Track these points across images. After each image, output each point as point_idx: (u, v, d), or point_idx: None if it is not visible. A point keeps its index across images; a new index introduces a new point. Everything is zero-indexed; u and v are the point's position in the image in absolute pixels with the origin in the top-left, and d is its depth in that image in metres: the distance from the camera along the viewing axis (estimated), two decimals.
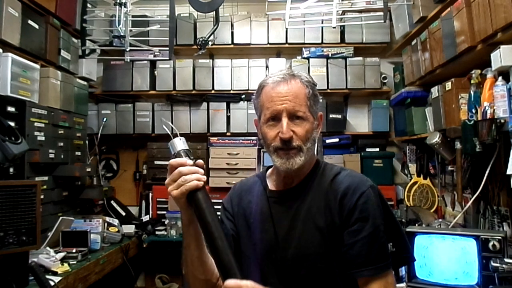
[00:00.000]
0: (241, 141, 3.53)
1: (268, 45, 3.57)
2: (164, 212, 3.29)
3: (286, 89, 1.08)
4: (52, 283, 1.92)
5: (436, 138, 2.53)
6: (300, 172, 1.13)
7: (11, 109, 2.30)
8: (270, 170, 1.25)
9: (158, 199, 3.46)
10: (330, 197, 1.08)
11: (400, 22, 3.19)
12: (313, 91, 1.13)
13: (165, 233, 3.24)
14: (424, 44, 2.73)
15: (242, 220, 1.19)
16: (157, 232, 3.27)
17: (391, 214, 1.11)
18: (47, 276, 1.94)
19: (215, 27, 3.28)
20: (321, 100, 1.19)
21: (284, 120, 1.07)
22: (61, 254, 2.29)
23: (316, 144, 1.17)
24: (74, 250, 2.38)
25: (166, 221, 3.25)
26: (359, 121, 3.75)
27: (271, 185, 1.20)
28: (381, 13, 2.97)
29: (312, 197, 1.11)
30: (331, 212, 1.07)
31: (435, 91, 2.64)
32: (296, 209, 1.11)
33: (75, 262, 2.32)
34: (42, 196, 2.32)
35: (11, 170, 2.25)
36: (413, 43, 2.98)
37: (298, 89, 1.09)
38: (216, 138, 3.54)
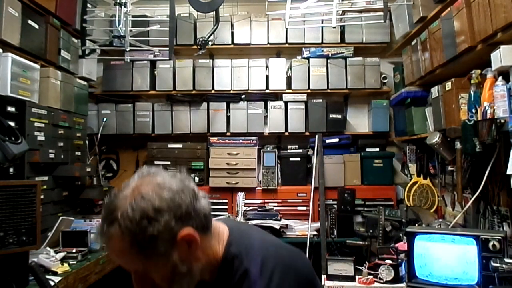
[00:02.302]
0: (241, 141, 3.53)
1: (268, 45, 3.58)
2: None
3: (110, 252, 0.87)
4: (52, 283, 1.91)
5: (436, 138, 2.53)
6: (204, 273, 0.94)
7: (11, 109, 2.30)
8: None
9: None
10: None
11: (400, 22, 3.19)
12: (140, 234, 0.81)
13: None
14: (424, 44, 2.73)
15: None
16: None
17: None
18: (47, 276, 1.93)
19: (215, 27, 3.28)
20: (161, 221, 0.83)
21: (133, 279, 0.89)
22: (61, 254, 2.29)
23: (197, 263, 0.89)
24: (74, 250, 2.38)
25: None
26: (359, 121, 3.75)
27: None
28: (381, 13, 2.97)
29: None
30: None
31: (435, 91, 2.64)
32: None
33: (75, 262, 2.31)
34: (42, 196, 2.31)
35: (11, 170, 2.25)
36: (413, 43, 2.98)
37: (119, 247, 0.84)
38: (216, 138, 3.54)
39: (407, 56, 3.14)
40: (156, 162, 3.52)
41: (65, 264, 2.21)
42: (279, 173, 3.52)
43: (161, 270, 0.85)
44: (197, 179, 3.44)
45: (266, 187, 3.41)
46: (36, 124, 2.48)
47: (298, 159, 3.51)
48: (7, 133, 2.12)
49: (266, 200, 3.41)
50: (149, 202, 0.82)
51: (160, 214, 0.82)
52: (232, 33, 3.58)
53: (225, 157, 3.46)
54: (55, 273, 2.09)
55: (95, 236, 0.82)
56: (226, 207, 3.40)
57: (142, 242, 0.82)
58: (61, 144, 2.76)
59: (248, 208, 3.25)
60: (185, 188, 0.87)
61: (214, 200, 3.43)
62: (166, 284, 0.86)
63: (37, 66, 2.54)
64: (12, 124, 2.25)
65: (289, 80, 3.60)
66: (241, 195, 3.40)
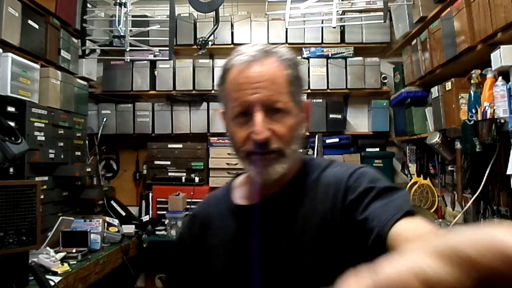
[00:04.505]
0: None
1: None
2: (164, 212, 3.28)
3: (259, 72, 0.79)
4: (52, 283, 1.91)
5: (436, 138, 2.53)
6: (282, 178, 0.84)
7: (11, 109, 2.30)
8: (241, 177, 0.96)
9: (158, 199, 3.45)
10: (326, 196, 0.82)
11: (400, 22, 3.19)
12: (297, 72, 0.84)
13: (165, 233, 3.24)
14: (424, 44, 2.73)
15: (206, 256, 0.89)
16: (157, 232, 3.27)
17: None
18: (47, 276, 1.93)
19: (215, 27, 3.28)
20: (304, 91, 0.94)
21: (258, 116, 0.77)
22: (61, 254, 2.29)
23: (302, 143, 0.89)
24: (74, 250, 2.38)
25: (166, 221, 3.24)
26: (359, 121, 3.75)
27: (241, 198, 0.91)
28: (381, 13, 2.97)
29: (304, 204, 0.83)
30: (332, 214, 0.79)
31: (435, 91, 2.64)
32: (284, 226, 0.82)
33: (75, 262, 2.32)
34: (42, 196, 2.31)
35: (11, 170, 2.25)
36: (413, 43, 2.98)
37: (275, 71, 0.80)
38: (216, 138, 3.54)
39: (407, 56, 3.14)
40: (156, 162, 3.52)
41: (65, 264, 2.22)
42: None
43: (291, 118, 0.80)
44: (197, 179, 3.44)
45: None
46: (36, 124, 2.48)
47: None
48: (7, 133, 2.13)
49: None
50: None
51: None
52: (232, 33, 3.58)
53: (225, 157, 3.46)
54: (55, 273, 2.09)
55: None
56: None
57: (294, 79, 0.82)
58: (61, 144, 2.76)
59: None
60: None
61: None
62: (286, 136, 0.80)
63: (37, 66, 2.54)
64: (12, 124, 2.25)
65: None
66: None
